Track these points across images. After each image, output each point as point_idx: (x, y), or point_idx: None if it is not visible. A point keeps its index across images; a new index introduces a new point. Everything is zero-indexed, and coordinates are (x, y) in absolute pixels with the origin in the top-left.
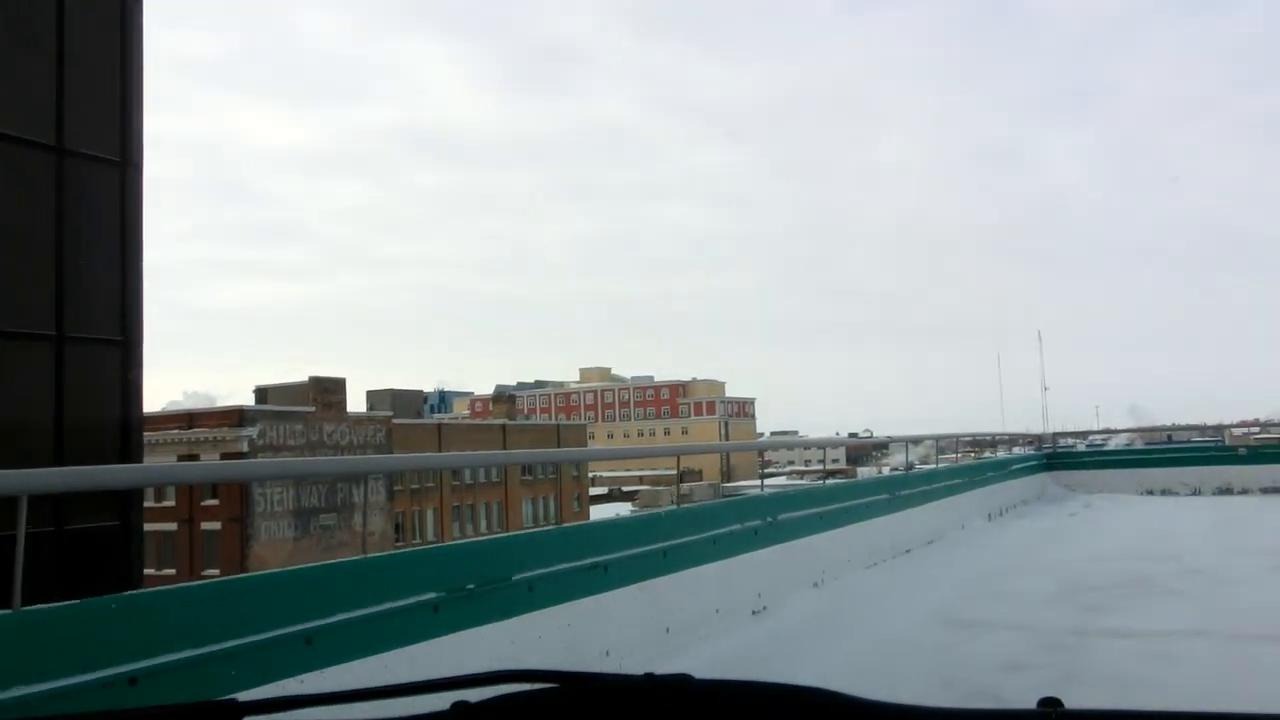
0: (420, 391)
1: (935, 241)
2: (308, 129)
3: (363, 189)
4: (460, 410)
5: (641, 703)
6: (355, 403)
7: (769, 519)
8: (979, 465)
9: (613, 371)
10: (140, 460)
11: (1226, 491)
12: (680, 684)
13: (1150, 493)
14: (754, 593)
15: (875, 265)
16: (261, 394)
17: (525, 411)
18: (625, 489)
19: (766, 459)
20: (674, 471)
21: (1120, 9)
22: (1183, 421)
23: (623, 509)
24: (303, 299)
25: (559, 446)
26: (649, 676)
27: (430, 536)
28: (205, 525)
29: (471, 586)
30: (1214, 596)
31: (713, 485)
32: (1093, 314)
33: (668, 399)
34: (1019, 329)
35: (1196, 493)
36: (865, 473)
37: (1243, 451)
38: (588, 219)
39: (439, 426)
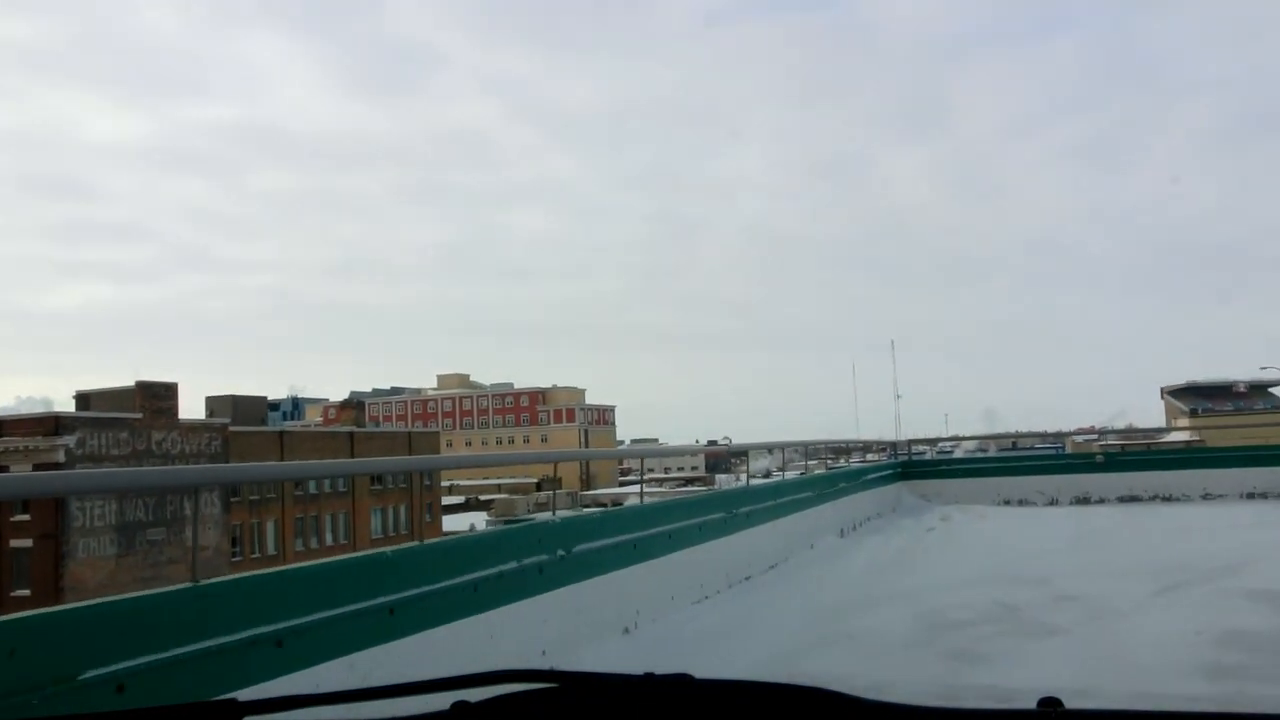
0: (264, 398)
1: (788, 251)
2: (145, 124)
3: (206, 188)
4: (313, 417)
5: (641, 702)
6: (196, 409)
7: (560, 553)
8: (830, 476)
9: (471, 378)
10: None
11: (1084, 501)
12: (680, 683)
13: (1007, 502)
14: (537, 650)
15: (730, 274)
16: (84, 400)
17: (380, 419)
18: (482, 498)
19: (626, 466)
20: (532, 479)
21: (955, 33)
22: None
23: (478, 518)
24: (146, 301)
25: (410, 454)
26: (649, 676)
27: (271, 551)
28: (15, 543)
29: None
30: (1098, 634)
31: (571, 493)
32: (940, 324)
33: (527, 406)
34: (872, 338)
35: (1054, 502)
36: (724, 480)
37: (1100, 459)
38: (444, 224)
39: (281, 434)
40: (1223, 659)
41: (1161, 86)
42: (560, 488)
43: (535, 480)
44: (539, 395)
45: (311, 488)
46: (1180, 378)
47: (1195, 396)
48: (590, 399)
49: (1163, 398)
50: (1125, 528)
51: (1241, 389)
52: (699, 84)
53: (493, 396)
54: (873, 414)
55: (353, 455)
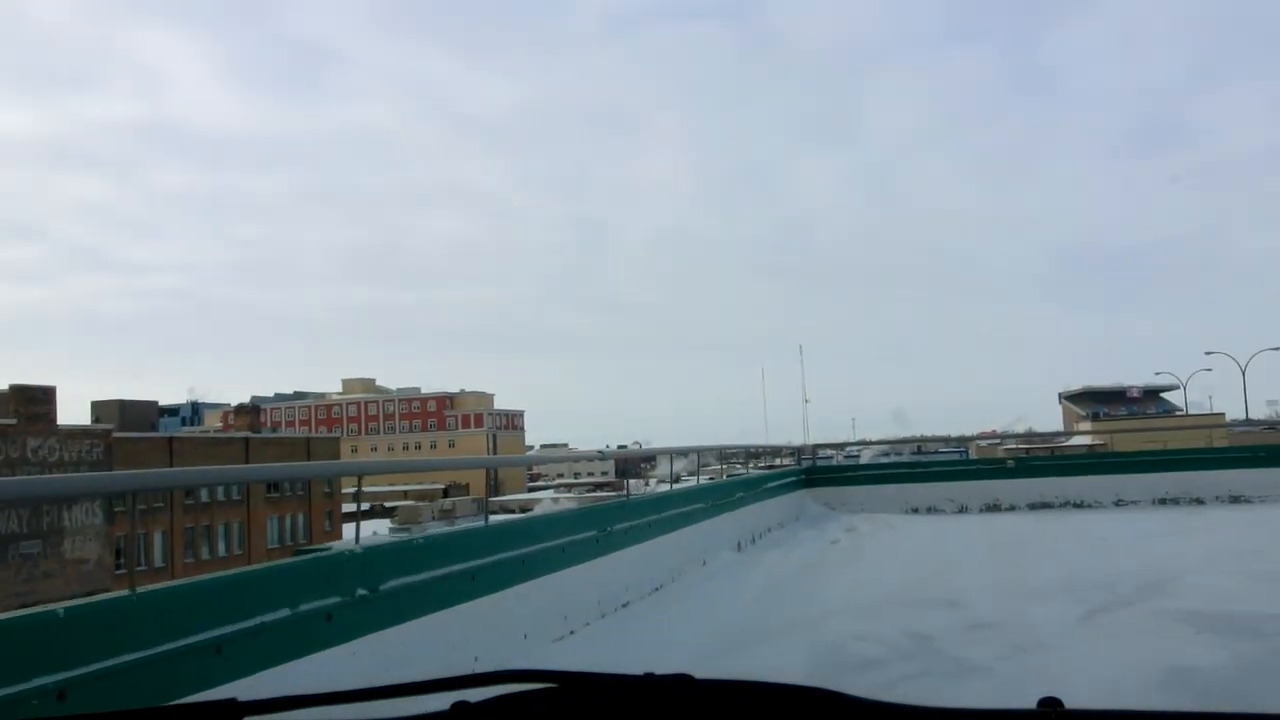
0: (155, 403)
1: (700, 256)
2: (32, 118)
3: (99, 186)
4: (213, 423)
5: (641, 702)
6: (80, 414)
7: (361, 592)
8: (726, 485)
9: (377, 383)
10: None
11: (994, 508)
12: (680, 683)
13: (916, 510)
14: None
15: (642, 279)
16: None
17: (283, 424)
18: (388, 504)
19: (536, 472)
20: (439, 486)
21: (863, 43)
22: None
23: (381, 526)
24: (34, 302)
25: (309, 459)
26: (649, 676)
27: (159, 563)
28: None
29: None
30: (1022, 672)
31: (476, 500)
32: (849, 330)
33: (434, 411)
34: (782, 343)
35: (963, 510)
36: (633, 485)
37: (1010, 464)
38: (350, 226)
39: (170, 440)
40: (1172, 700)
41: (1060, 99)
42: (468, 494)
43: (442, 486)
44: (446, 400)
45: (204, 495)
46: (1077, 383)
47: (1092, 401)
48: (499, 404)
49: (1061, 402)
50: (1039, 538)
51: (1135, 394)
52: (609, 87)
53: (399, 401)
54: (783, 418)
55: (247, 462)
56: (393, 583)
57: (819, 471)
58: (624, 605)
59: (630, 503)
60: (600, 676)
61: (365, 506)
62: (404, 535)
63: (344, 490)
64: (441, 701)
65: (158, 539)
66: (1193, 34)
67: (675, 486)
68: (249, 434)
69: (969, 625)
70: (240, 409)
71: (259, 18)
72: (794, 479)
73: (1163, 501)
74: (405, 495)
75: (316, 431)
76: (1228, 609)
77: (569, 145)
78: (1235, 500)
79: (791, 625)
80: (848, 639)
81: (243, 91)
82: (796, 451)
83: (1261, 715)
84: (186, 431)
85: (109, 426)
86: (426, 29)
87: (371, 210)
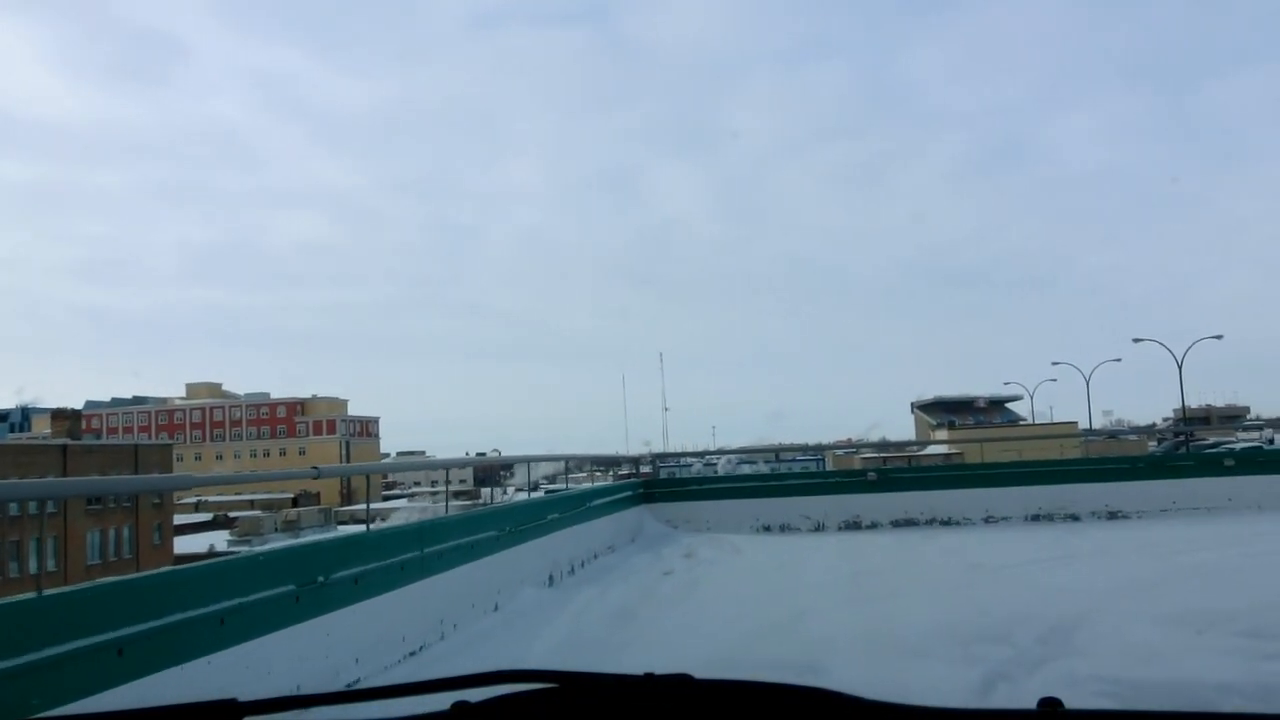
0: None
1: (563, 263)
2: None
3: None
4: (42, 429)
5: (641, 702)
6: None
7: None
8: (541, 503)
9: (224, 388)
10: None
11: (854, 526)
12: (680, 683)
13: (767, 529)
14: None
15: (504, 285)
16: None
17: (120, 430)
18: (232, 515)
19: (392, 480)
20: (287, 495)
21: (726, 53)
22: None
23: (219, 538)
24: None
25: (137, 468)
26: (649, 676)
27: None
28: None
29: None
30: None
31: (324, 510)
32: (711, 339)
33: (284, 417)
34: (645, 351)
35: (820, 528)
36: (489, 494)
37: (872, 477)
38: (196, 224)
39: None
40: None
41: (914, 117)
42: (319, 502)
43: (291, 496)
44: (298, 406)
45: (14, 509)
46: (929, 392)
47: (942, 410)
48: (354, 410)
49: (913, 411)
50: (908, 566)
51: (982, 404)
52: (471, 89)
53: (246, 407)
54: (644, 427)
55: (65, 471)
56: None
57: (660, 484)
58: (355, 682)
59: (398, 531)
60: (600, 676)
61: (207, 517)
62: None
63: (179, 501)
64: (441, 701)
65: None
66: (1038, 58)
67: (469, 508)
68: (67, 440)
69: None
70: (58, 414)
71: (93, 3)
72: (630, 493)
73: (1035, 518)
74: (252, 505)
75: (158, 438)
76: (1158, 674)
77: (429, 147)
78: (1113, 516)
79: None
80: None
81: (75, 81)
82: (634, 461)
83: (1262, 715)
84: (29, 438)
85: None
86: (276, 24)
87: (222, 209)
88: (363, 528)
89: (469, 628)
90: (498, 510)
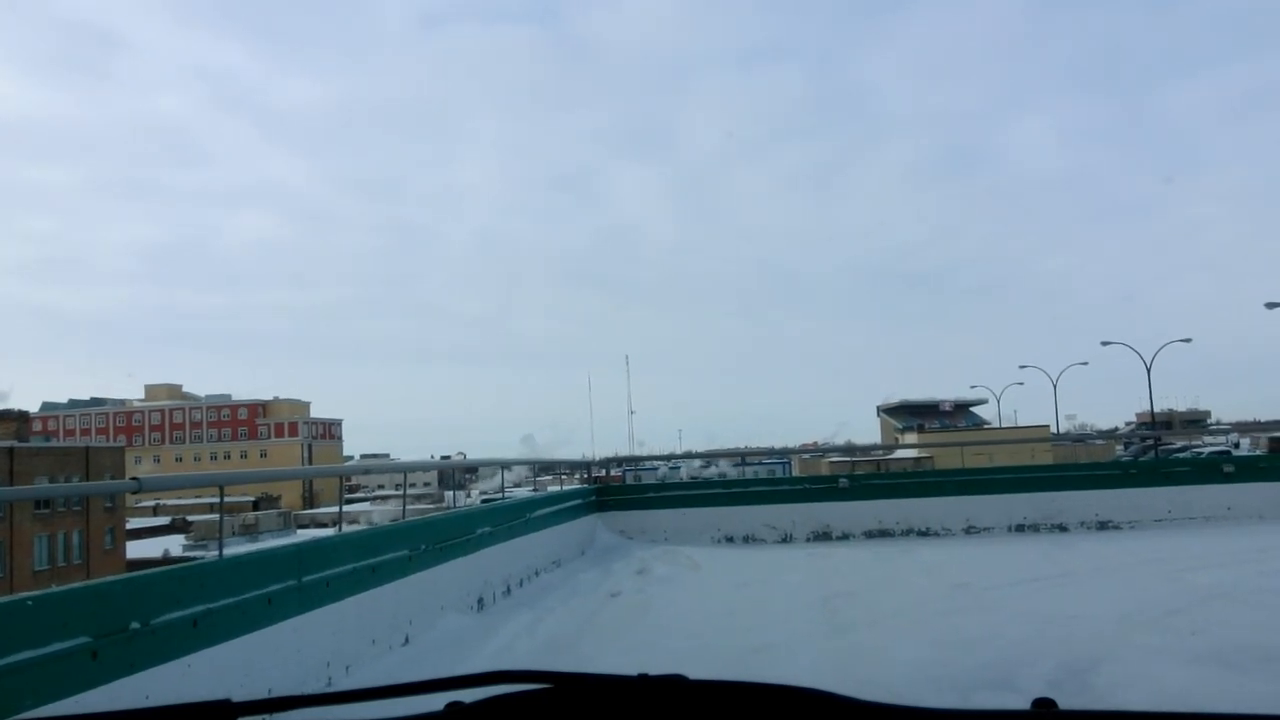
0: None
1: (523, 264)
2: None
3: None
4: None
5: (635, 702)
6: None
7: None
8: (469, 514)
9: (184, 389)
10: None
11: (824, 537)
12: (674, 684)
13: (730, 540)
14: None
15: (465, 286)
16: None
17: (78, 432)
18: (190, 519)
19: (355, 483)
20: (249, 498)
21: (683, 55)
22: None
23: (174, 542)
24: None
25: (88, 471)
26: (643, 676)
27: None
28: None
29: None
30: None
31: (283, 514)
32: (675, 342)
33: (246, 419)
34: (610, 353)
35: (787, 539)
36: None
37: (844, 484)
38: (151, 223)
39: None
40: None
41: (869, 120)
42: (280, 505)
43: (253, 499)
44: (259, 408)
45: None
46: (895, 396)
47: (907, 414)
48: (316, 412)
49: (879, 415)
50: (886, 587)
51: (947, 408)
52: (421, 88)
53: (207, 409)
54: (609, 430)
55: (11, 475)
56: None
57: (615, 491)
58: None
59: (319, 543)
60: (594, 677)
61: (165, 520)
62: None
63: (132, 505)
64: (435, 702)
65: None
66: (993, 62)
67: (426, 513)
68: (14, 443)
69: None
70: (4, 415)
71: None
72: (580, 501)
73: (1020, 528)
74: (211, 508)
75: (116, 440)
76: None
77: (383, 146)
78: (1104, 526)
79: None
80: None
81: (15, 75)
82: (586, 467)
83: (1262, 716)
84: None
85: None
86: (224, 20)
87: (174, 208)
88: (301, 537)
89: (368, 667)
90: (412, 525)
